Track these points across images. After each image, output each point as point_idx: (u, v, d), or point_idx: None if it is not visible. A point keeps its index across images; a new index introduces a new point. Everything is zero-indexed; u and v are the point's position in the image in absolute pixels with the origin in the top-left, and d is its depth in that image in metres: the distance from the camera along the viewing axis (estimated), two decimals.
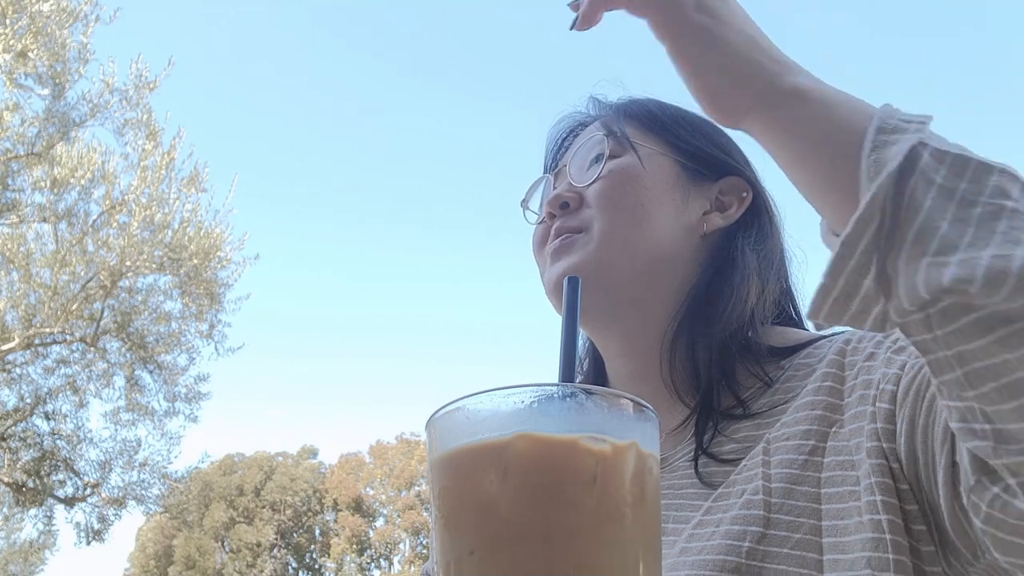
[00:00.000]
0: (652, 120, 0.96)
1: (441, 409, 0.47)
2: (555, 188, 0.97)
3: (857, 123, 0.57)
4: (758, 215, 0.94)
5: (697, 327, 0.86)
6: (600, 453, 0.43)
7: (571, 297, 0.55)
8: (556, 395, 0.45)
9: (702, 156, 0.95)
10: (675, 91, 0.97)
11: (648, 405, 0.47)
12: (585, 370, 1.02)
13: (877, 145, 0.54)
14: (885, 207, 0.51)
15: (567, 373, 0.51)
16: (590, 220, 0.90)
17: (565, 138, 1.02)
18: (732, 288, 0.86)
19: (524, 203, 1.05)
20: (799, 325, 0.94)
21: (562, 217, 0.92)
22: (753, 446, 0.78)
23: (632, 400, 0.46)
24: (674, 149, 0.94)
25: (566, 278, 0.58)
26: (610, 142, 0.92)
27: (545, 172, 1.04)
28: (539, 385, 0.45)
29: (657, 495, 0.47)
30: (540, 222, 0.98)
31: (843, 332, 0.82)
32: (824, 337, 0.85)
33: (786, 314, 0.94)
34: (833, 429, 0.72)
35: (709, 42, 0.62)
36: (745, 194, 0.94)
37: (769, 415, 0.79)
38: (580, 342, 1.02)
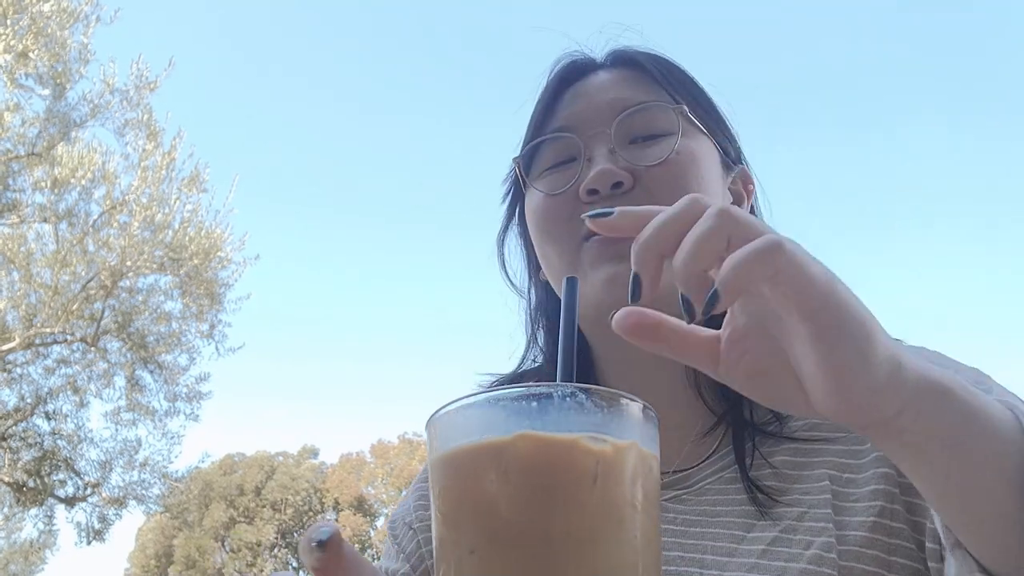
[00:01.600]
0: (692, 90, 0.85)
1: (441, 409, 0.47)
2: (588, 153, 0.81)
3: (1000, 437, 0.48)
4: (759, 214, 0.89)
5: None
6: (600, 453, 0.43)
7: (570, 297, 0.54)
8: (555, 395, 0.44)
9: (727, 139, 0.87)
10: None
11: (649, 405, 0.47)
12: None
13: None
14: None
15: (567, 373, 0.51)
16: None
17: (570, 85, 0.86)
18: None
19: (519, 161, 0.87)
20: None
21: (611, 199, 0.77)
22: (795, 475, 0.72)
23: (632, 400, 0.46)
24: (713, 130, 0.85)
25: (565, 278, 0.55)
26: (682, 121, 0.80)
27: (545, 125, 0.85)
28: (539, 385, 0.45)
29: (657, 496, 0.47)
30: (561, 194, 0.81)
31: None
32: None
33: None
34: (897, 491, 0.68)
35: (865, 332, 0.45)
36: (751, 187, 0.89)
37: (810, 441, 0.74)
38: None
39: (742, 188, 0.88)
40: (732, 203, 0.85)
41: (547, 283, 0.93)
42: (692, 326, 0.50)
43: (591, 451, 0.43)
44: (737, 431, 0.76)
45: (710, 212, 0.46)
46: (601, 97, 0.84)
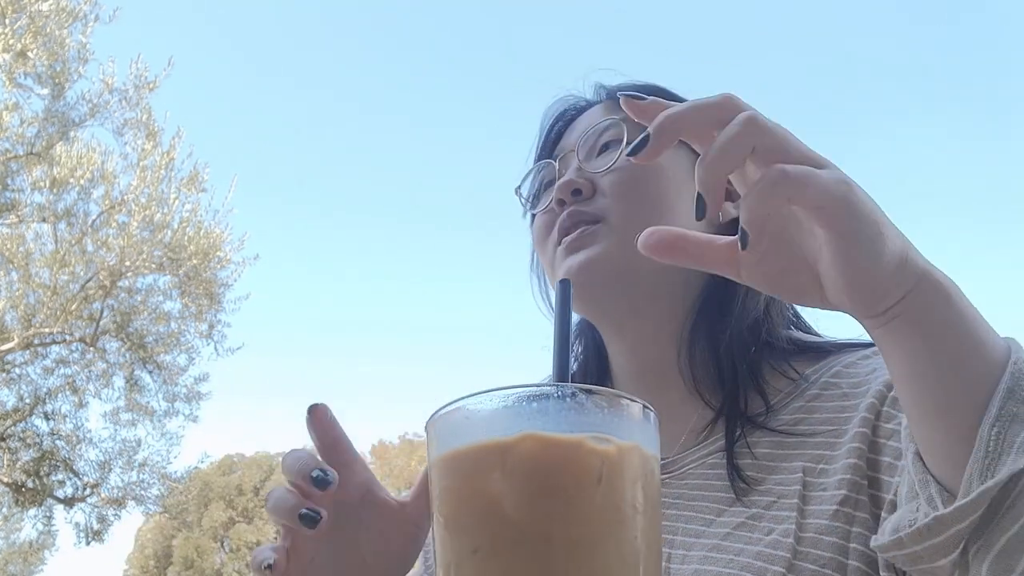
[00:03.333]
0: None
1: (441, 409, 0.47)
2: (560, 173, 0.89)
3: (988, 361, 0.50)
4: None
5: (716, 322, 0.83)
6: (605, 453, 0.43)
7: (563, 299, 0.54)
8: (556, 395, 0.44)
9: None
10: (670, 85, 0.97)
11: (649, 405, 0.47)
12: (587, 368, 0.96)
13: (1003, 415, 0.49)
14: (990, 503, 0.48)
15: (561, 374, 0.50)
16: (607, 210, 0.84)
17: (563, 122, 0.96)
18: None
19: (519, 190, 0.97)
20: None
21: (573, 205, 0.85)
22: (772, 466, 0.75)
23: (632, 400, 0.46)
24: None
25: (558, 281, 0.57)
26: (626, 127, 0.86)
27: (540, 158, 0.96)
28: (538, 385, 0.45)
29: (658, 497, 0.47)
30: (544, 210, 0.91)
31: (878, 357, 0.78)
32: (850, 345, 0.82)
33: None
34: (865, 483, 0.70)
35: (876, 232, 0.49)
36: None
37: (791, 435, 0.76)
38: (575, 338, 0.98)
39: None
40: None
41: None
42: (711, 236, 0.54)
43: (596, 451, 0.43)
44: (730, 422, 0.80)
45: (738, 119, 0.49)
46: (578, 126, 0.93)
